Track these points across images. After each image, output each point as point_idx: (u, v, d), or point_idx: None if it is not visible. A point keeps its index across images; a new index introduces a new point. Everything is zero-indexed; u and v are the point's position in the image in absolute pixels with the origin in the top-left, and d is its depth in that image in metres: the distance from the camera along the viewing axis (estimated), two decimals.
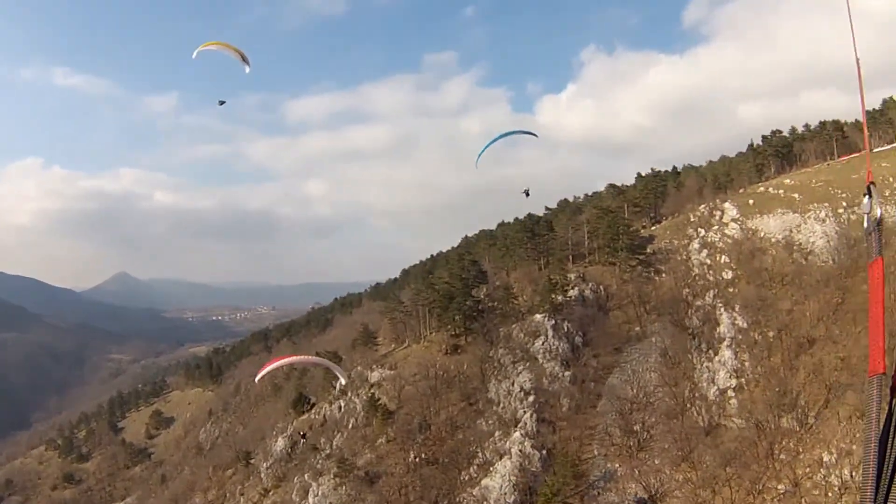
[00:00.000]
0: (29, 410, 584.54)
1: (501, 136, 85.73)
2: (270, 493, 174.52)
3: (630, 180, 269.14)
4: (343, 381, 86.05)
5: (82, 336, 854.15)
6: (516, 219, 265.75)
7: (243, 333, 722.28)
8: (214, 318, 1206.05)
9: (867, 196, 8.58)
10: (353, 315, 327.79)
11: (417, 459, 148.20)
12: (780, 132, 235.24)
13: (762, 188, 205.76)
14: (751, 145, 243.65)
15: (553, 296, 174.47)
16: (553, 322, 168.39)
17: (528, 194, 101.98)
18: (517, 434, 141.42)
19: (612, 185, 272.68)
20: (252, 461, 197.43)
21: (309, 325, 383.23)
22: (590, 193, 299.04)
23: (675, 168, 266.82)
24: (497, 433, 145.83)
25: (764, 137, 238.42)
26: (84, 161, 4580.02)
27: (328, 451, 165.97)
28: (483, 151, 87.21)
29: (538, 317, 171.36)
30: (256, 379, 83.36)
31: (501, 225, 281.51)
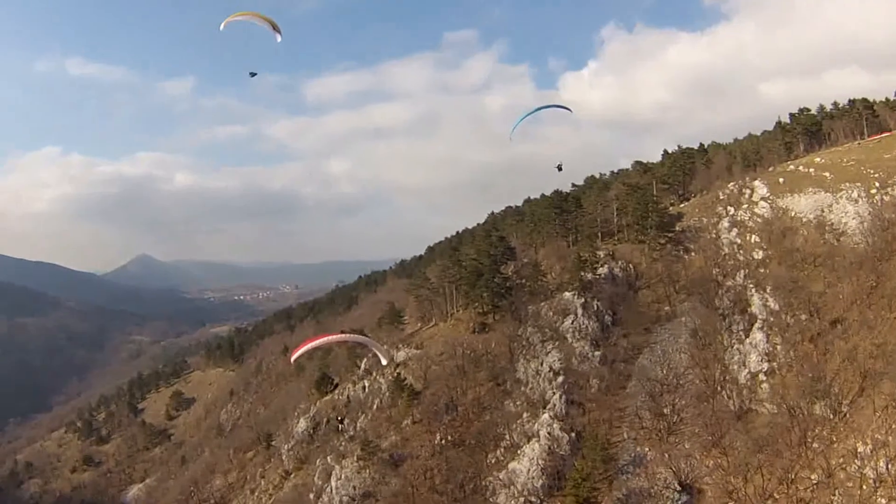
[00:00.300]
0: (49, 394, 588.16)
1: (538, 110, 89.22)
2: (292, 476, 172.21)
3: (652, 158, 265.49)
4: (385, 361, 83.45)
5: (103, 318, 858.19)
6: (543, 195, 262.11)
7: (265, 313, 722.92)
8: (236, 297, 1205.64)
9: None
10: (378, 293, 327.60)
11: (443, 441, 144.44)
12: (809, 110, 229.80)
13: (792, 166, 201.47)
14: (779, 123, 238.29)
15: (582, 273, 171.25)
16: (583, 300, 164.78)
17: (560, 169, 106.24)
18: (546, 416, 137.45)
19: (638, 162, 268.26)
20: (273, 443, 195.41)
21: (333, 304, 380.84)
22: (615, 170, 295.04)
23: (702, 145, 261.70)
24: (525, 415, 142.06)
25: (792, 115, 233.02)
26: (103, 147, 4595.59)
27: (351, 433, 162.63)
28: (518, 123, 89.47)
29: (567, 295, 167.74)
30: (292, 358, 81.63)
31: (529, 202, 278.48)
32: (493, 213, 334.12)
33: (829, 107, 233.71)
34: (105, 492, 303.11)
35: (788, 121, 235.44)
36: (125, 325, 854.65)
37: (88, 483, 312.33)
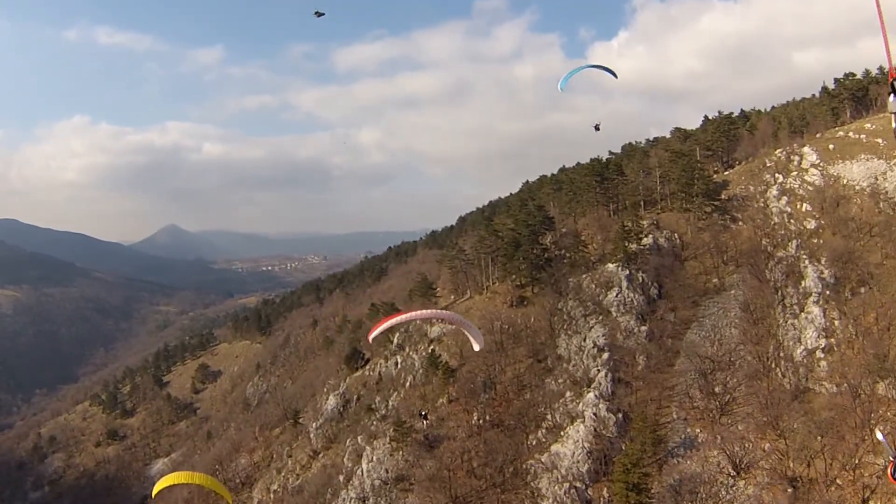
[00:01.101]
0: (76, 364, 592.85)
1: (586, 67, 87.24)
2: (320, 456, 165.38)
3: (685, 125, 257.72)
4: (477, 347, 76.51)
5: (130, 289, 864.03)
6: (579, 163, 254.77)
7: (293, 284, 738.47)
8: (264, 268, 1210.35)
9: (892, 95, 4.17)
10: (409, 264, 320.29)
11: (481, 422, 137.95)
12: (854, 75, 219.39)
13: (841, 133, 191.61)
14: (825, 88, 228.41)
15: (627, 244, 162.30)
16: (627, 272, 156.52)
17: (598, 128, 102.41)
18: (591, 395, 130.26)
19: (678, 129, 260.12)
20: (301, 420, 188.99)
21: (363, 275, 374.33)
22: (651, 138, 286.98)
23: (743, 111, 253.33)
24: (568, 393, 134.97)
25: (837, 81, 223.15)
26: (131, 116, 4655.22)
27: (383, 412, 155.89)
28: (568, 77, 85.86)
29: (611, 267, 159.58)
30: (371, 337, 74.57)
31: (566, 170, 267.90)
32: (527, 181, 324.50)
33: (874, 72, 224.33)
34: (129, 466, 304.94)
35: (833, 86, 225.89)
36: (153, 295, 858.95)
37: (112, 457, 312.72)
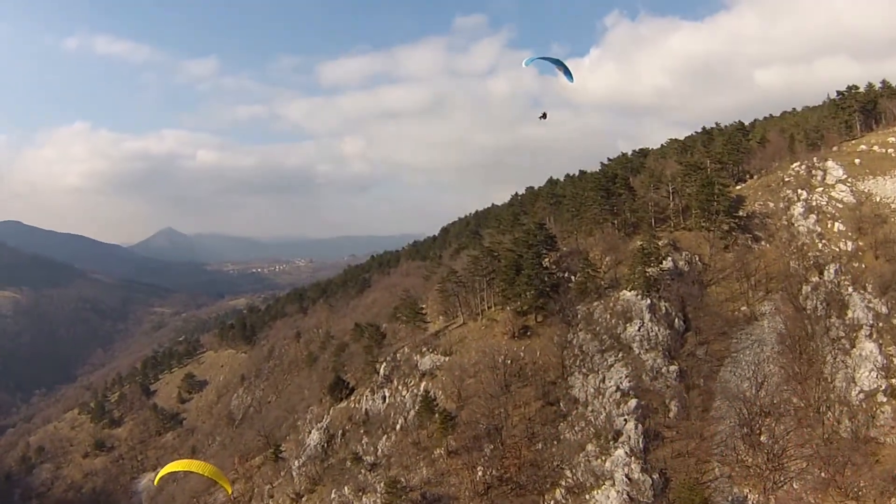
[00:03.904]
0: (74, 364, 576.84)
1: (551, 60, 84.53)
2: (304, 500, 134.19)
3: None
4: None
5: (127, 290, 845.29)
6: (582, 172, 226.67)
7: (281, 286, 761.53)
8: (254, 270, 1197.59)
9: None
10: (392, 276, 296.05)
11: (487, 477, 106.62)
12: (857, 88, 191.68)
13: (863, 146, 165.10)
14: (833, 101, 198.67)
15: (647, 269, 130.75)
16: (648, 302, 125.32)
17: (545, 117, 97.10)
18: (620, 452, 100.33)
19: (675, 140, 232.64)
20: (283, 452, 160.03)
21: (346, 286, 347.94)
22: (637, 149, 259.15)
23: (741, 123, 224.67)
24: (590, 447, 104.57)
25: (840, 93, 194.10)
26: (130, 123, 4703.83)
27: (373, 460, 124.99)
28: (532, 60, 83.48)
29: (629, 295, 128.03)
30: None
31: (565, 183, 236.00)
32: (517, 194, 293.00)
33: (878, 85, 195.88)
34: (116, 479, 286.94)
35: (836, 97, 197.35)
36: (148, 297, 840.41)
37: (100, 469, 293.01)
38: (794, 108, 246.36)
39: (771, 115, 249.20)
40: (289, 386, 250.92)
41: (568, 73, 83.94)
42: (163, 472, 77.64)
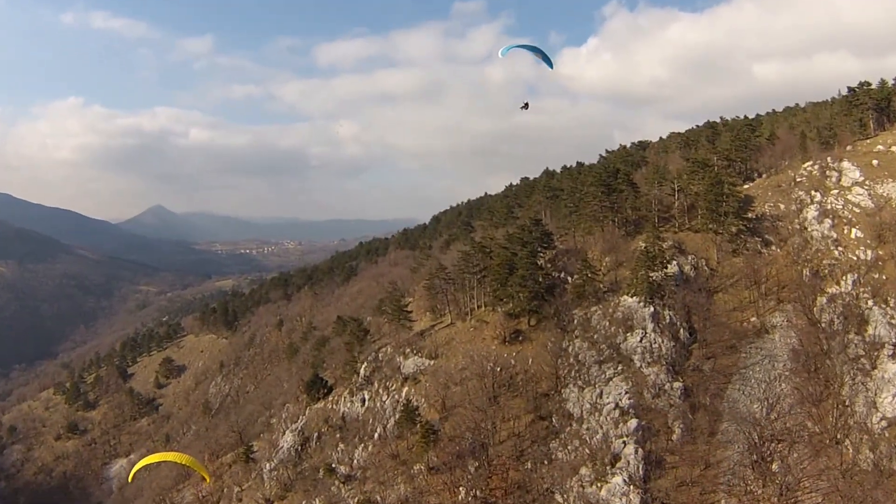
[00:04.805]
0: (56, 341, 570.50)
1: (528, 47, 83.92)
2: None
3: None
4: None
5: (113, 267, 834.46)
6: (580, 164, 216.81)
7: (269, 268, 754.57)
8: (242, 251, 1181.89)
9: None
10: (379, 265, 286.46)
11: (470, 498, 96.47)
12: (869, 84, 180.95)
13: (880, 146, 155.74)
14: (845, 97, 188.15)
15: (651, 273, 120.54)
16: (651, 310, 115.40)
17: (526, 106, 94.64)
18: (618, 480, 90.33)
19: (676, 133, 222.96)
20: (255, 452, 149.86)
21: (332, 273, 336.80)
22: (636, 142, 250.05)
23: (747, 118, 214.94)
24: (584, 470, 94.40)
25: (851, 90, 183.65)
26: (123, 100, 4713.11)
27: (347, 471, 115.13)
28: (509, 49, 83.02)
29: (630, 301, 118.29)
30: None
31: (562, 175, 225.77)
32: (511, 184, 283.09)
33: (891, 82, 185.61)
34: (88, 464, 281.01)
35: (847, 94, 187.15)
36: (134, 274, 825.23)
37: (72, 453, 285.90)
38: (796, 104, 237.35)
39: (774, 110, 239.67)
40: (268, 376, 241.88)
41: (547, 59, 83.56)
42: (139, 465, 78.12)
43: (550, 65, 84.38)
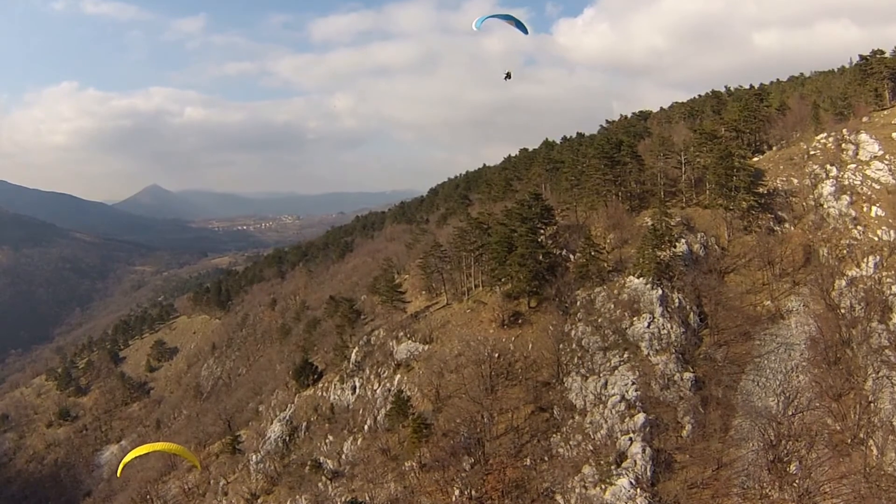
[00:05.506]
0: (52, 324, 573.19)
1: (501, 16, 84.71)
2: (259, 501, 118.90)
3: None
4: None
5: (109, 249, 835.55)
6: (580, 135, 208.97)
7: (267, 243, 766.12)
8: (239, 227, 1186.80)
9: None
10: (375, 240, 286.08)
11: (465, 499, 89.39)
12: (883, 52, 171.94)
13: None
14: (858, 66, 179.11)
15: (659, 252, 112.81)
16: (660, 293, 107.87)
17: (509, 76, 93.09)
18: (624, 482, 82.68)
19: (679, 103, 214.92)
20: (242, 443, 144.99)
21: (327, 249, 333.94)
22: (637, 112, 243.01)
23: (752, 86, 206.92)
24: (587, 469, 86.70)
25: (863, 58, 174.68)
26: (117, 82, 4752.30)
27: (335, 467, 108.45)
28: (482, 21, 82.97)
29: (637, 282, 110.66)
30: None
31: (562, 146, 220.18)
32: (510, 156, 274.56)
33: None
34: (79, 451, 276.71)
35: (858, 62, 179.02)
36: (130, 255, 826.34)
37: (63, 440, 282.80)
38: (801, 73, 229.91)
39: (779, 79, 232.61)
40: (260, 358, 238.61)
41: (521, 26, 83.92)
42: (127, 458, 75.05)
43: (525, 31, 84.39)
